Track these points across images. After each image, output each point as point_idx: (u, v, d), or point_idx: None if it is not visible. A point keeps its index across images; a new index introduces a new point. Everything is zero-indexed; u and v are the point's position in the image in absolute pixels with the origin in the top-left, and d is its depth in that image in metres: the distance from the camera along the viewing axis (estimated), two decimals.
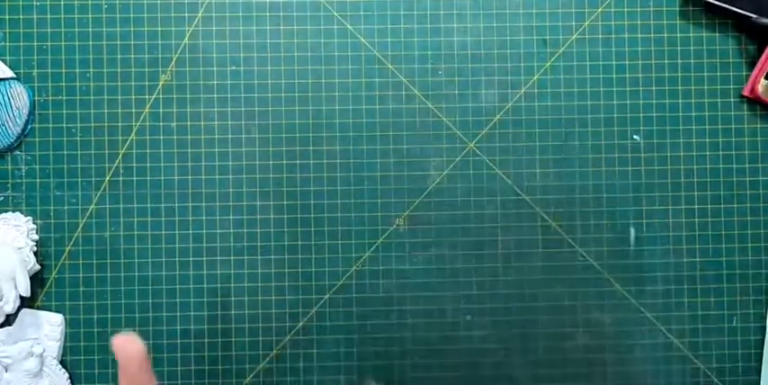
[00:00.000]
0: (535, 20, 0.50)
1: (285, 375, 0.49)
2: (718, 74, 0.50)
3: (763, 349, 0.49)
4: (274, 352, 0.49)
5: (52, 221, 0.48)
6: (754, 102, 0.50)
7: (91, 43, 0.49)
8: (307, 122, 0.49)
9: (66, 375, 0.47)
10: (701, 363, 0.49)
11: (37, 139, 0.48)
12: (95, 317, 0.48)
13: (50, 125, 0.48)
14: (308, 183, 0.49)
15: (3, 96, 0.48)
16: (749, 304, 0.50)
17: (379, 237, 0.49)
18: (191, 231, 0.49)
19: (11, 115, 0.48)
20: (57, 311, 0.48)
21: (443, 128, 0.49)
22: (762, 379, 0.49)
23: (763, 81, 0.49)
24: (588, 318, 0.50)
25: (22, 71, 0.48)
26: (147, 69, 0.49)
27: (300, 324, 0.49)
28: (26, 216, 0.48)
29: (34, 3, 0.48)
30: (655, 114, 0.50)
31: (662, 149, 0.50)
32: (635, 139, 0.50)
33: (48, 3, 0.48)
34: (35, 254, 0.47)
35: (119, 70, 0.49)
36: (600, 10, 0.50)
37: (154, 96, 0.49)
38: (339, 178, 0.49)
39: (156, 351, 0.48)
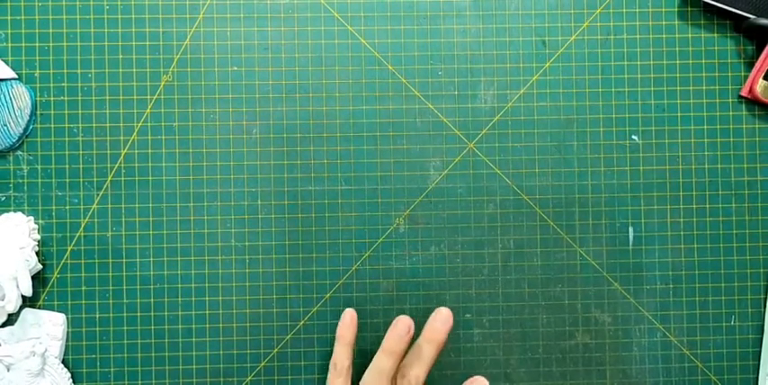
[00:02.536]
0: (534, 21, 0.50)
1: (286, 374, 0.49)
2: (717, 74, 0.50)
3: (761, 347, 0.50)
4: (275, 350, 0.49)
5: (54, 221, 0.48)
6: (752, 102, 0.50)
7: (93, 44, 0.49)
8: (307, 123, 0.49)
9: (68, 374, 0.47)
10: (700, 362, 0.50)
11: (39, 139, 0.49)
12: (97, 316, 0.48)
13: (52, 125, 0.49)
14: (308, 183, 0.49)
15: (4, 97, 0.48)
16: (747, 303, 0.50)
17: (379, 237, 0.49)
18: (192, 231, 0.49)
19: (13, 115, 0.48)
20: (58, 311, 0.48)
21: (443, 128, 0.50)
22: (760, 377, 0.49)
23: (761, 81, 0.49)
24: (587, 317, 0.50)
25: (23, 71, 0.49)
26: (148, 70, 0.49)
27: (301, 323, 0.49)
28: (28, 216, 0.48)
29: (36, 3, 0.49)
30: (653, 115, 0.50)
31: (660, 149, 0.50)
32: (633, 140, 0.50)
33: (49, 3, 0.49)
34: (37, 253, 0.47)
35: (120, 71, 0.49)
36: (598, 11, 0.50)
37: (155, 97, 0.49)
38: (339, 178, 0.49)
39: (158, 350, 0.48)
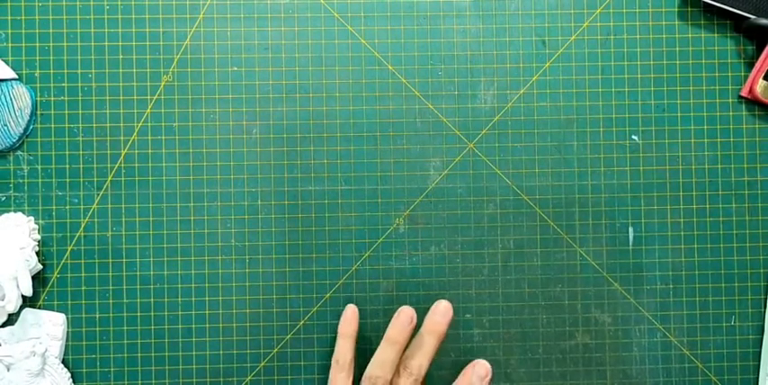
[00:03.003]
0: (534, 21, 0.50)
1: (286, 374, 0.49)
2: (717, 74, 0.50)
3: (761, 348, 0.50)
4: (275, 350, 0.49)
5: (54, 221, 0.48)
6: (752, 102, 0.50)
7: (93, 44, 0.49)
8: (307, 123, 0.49)
9: (68, 374, 0.47)
10: (700, 362, 0.50)
11: (39, 140, 0.49)
12: (97, 316, 0.48)
13: (52, 125, 0.49)
14: (308, 183, 0.49)
15: (5, 97, 0.48)
16: (747, 303, 0.50)
17: (379, 237, 0.49)
18: (192, 231, 0.49)
19: (13, 115, 0.48)
20: (58, 310, 0.48)
21: (443, 128, 0.50)
22: (760, 378, 0.49)
23: (761, 81, 0.49)
24: (587, 317, 0.50)
25: (24, 72, 0.49)
26: (148, 70, 0.49)
27: (301, 323, 0.49)
28: (28, 216, 0.48)
29: (36, 3, 0.49)
30: (653, 115, 0.50)
31: (660, 150, 0.50)
32: (633, 140, 0.50)
33: (49, 3, 0.49)
34: (37, 253, 0.47)
35: (121, 71, 0.49)
36: (598, 11, 0.50)
37: (155, 97, 0.49)
38: (339, 178, 0.49)
39: (158, 350, 0.48)
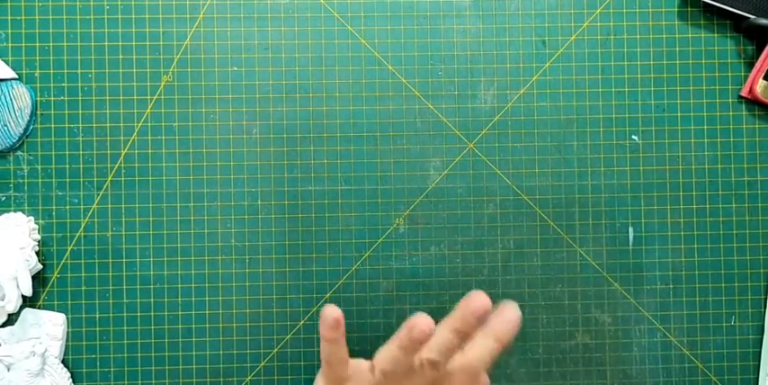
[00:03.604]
0: (534, 21, 0.50)
1: (286, 374, 0.49)
2: (717, 74, 0.50)
3: (761, 348, 0.50)
4: (275, 350, 0.49)
5: (54, 221, 0.48)
6: (752, 102, 0.50)
7: (93, 44, 0.49)
8: (307, 123, 0.49)
9: (68, 374, 0.47)
10: (700, 362, 0.50)
11: (39, 140, 0.49)
12: (97, 316, 0.48)
13: (52, 125, 0.49)
14: (308, 183, 0.49)
15: (5, 97, 0.48)
16: (747, 303, 0.50)
17: (379, 237, 0.49)
18: (192, 231, 0.49)
19: (13, 115, 0.48)
20: (58, 310, 0.48)
21: (443, 128, 0.50)
22: (760, 378, 0.49)
23: (761, 81, 0.49)
24: (587, 317, 0.50)
25: (24, 72, 0.49)
26: (148, 70, 0.49)
27: (301, 323, 0.49)
28: (28, 216, 0.48)
29: (36, 3, 0.49)
30: (653, 115, 0.50)
31: (660, 149, 0.50)
32: (633, 140, 0.50)
33: (49, 3, 0.49)
34: (37, 253, 0.47)
35: (121, 71, 0.49)
36: (598, 11, 0.50)
37: (155, 97, 0.49)
38: (339, 178, 0.49)
39: (158, 350, 0.48)
